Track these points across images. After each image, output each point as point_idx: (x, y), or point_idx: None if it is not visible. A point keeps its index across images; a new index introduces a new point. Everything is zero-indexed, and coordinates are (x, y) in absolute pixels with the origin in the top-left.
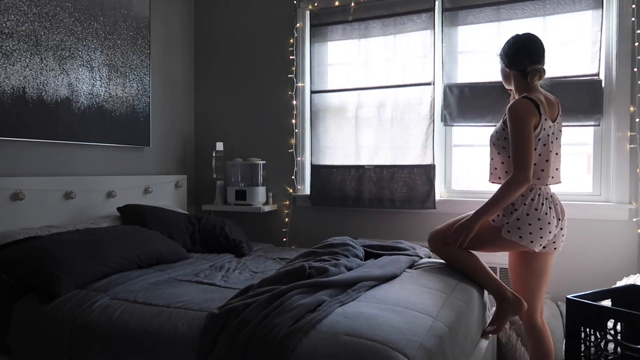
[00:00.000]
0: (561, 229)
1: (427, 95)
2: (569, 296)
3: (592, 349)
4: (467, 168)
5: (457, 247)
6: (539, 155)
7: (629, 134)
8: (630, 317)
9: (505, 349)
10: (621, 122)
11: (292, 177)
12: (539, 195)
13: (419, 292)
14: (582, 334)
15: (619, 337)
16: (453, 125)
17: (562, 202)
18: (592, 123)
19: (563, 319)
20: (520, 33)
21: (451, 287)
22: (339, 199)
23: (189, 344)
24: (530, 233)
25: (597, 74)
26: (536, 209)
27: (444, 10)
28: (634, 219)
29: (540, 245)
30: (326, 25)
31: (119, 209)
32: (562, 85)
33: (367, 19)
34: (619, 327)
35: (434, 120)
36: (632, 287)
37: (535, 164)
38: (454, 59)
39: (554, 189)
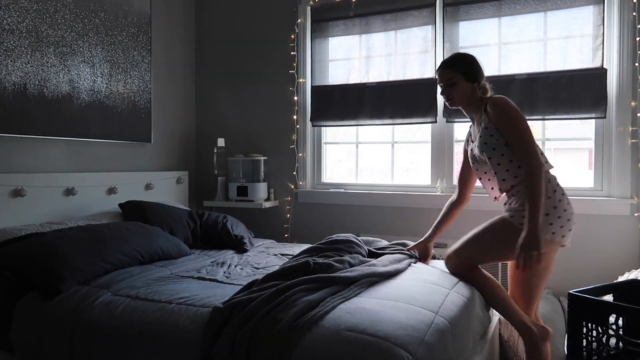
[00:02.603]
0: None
1: (428, 91)
2: (570, 291)
3: (594, 343)
4: None
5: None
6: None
7: (630, 128)
8: (631, 312)
9: (506, 344)
10: (623, 117)
11: (294, 173)
12: (556, 184)
13: (421, 287)
14: (584, 329)
15: (620, 332)
16: (454, 121)
17: None
18: (597, 115)
19: (565, 314)
20: (462, 52)
21: (453, 283)
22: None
23: (191, 340)
24: (562, 227)
25: (601, 67)
26: (560, 200)
27: (445, 5)
28: (636, 214)
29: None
30: (327, 21)
31: (120, 205)
32: (566, 79)
33: (368, 15)
34: (620, 322)
35: (437, 115)
36: (633, 282)
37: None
38: None
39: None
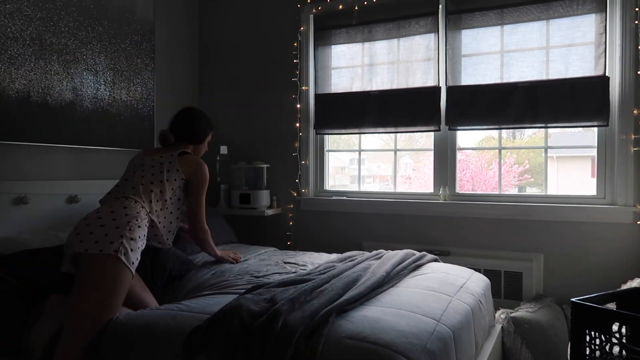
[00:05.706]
0: None
1: (431, 99)
2: (573, 299)
3: (597, 352)
4: (470, 171)
5: None
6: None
7: (633, 136)
8: (635, 320)
9: (509, 352)
10: (625, 125)
11: (296, 180)
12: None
13: (423, 295)
14: (587, 337)
15: (623, 340)
16: (457, 129)
17: (566, 204)
18: (600, 123)
19: (568, 322)
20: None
21: (455, 290)
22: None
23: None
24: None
25: (603, 75)
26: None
27: (447, 13)
28: (638, 222)
29: None
30: (330, 29)
31: None
32: (568, 87)
33: (371, 23)
34: (623, 330)
35: (440, 123)
36: (636, 290)
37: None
38: (458, 62)
39: None
